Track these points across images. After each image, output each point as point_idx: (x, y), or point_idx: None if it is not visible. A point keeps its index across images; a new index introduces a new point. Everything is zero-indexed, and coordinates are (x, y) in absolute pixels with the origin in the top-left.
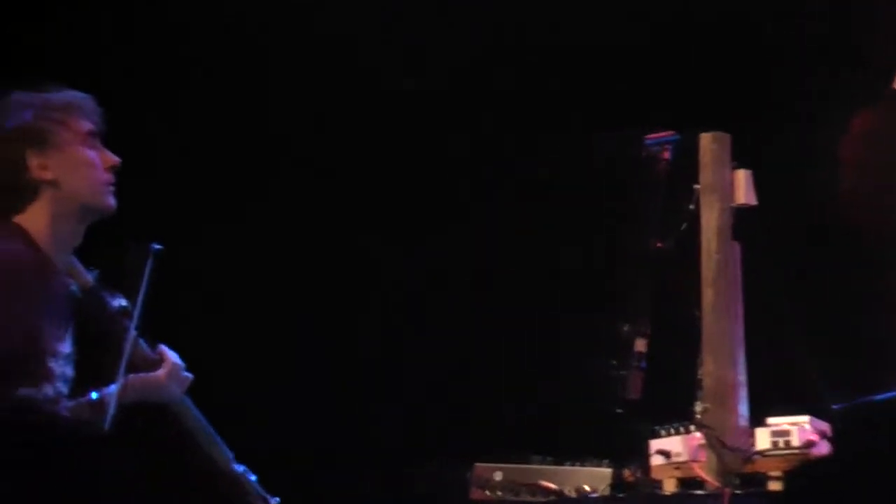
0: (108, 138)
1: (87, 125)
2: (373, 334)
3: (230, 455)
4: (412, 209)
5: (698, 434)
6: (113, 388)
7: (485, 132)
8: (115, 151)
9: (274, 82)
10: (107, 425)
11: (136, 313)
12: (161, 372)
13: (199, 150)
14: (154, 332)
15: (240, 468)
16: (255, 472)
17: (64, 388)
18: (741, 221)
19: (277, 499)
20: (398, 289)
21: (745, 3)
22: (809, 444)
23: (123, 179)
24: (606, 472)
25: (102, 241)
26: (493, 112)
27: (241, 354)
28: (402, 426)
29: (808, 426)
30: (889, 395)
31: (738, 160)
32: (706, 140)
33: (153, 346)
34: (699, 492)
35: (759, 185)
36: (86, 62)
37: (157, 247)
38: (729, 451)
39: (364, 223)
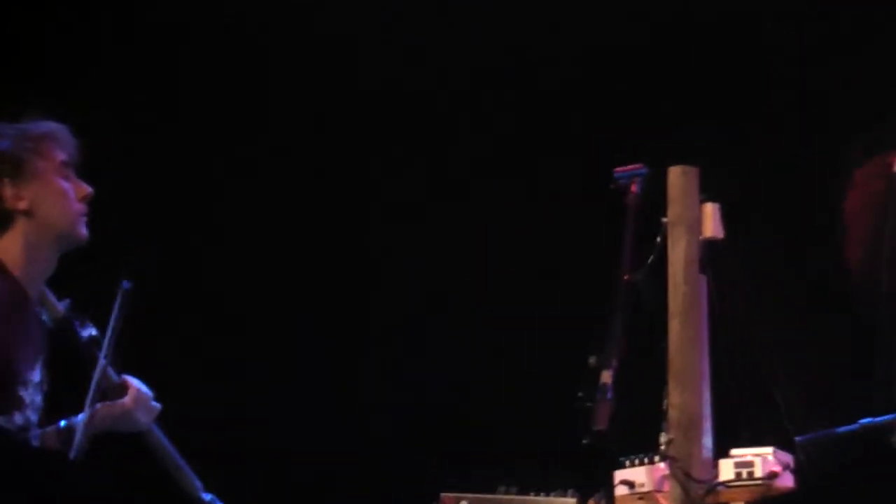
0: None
1: (61, 155)
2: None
3: (198, 484)
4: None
5: (663, 465)
6: (80, 417)
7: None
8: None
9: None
10: (73, 454)
11: (105, 344)
12: (127, 399)
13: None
14: (125, 360)
15: (207, 496)
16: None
17: (33, 417)
18: (709, 254)
19: None
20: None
21: (718, 39)
22: (772, 476)
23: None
24: (571, 501)
25: (75, 268)
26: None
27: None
28: (367, 458)
29: (771, 457)
30: (850, 427)
31: (707, 193)
32: (675, 173)
33: (119, 374)
34: None
35: (727, 218)
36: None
37: (127, 285)
38: (693, 481)
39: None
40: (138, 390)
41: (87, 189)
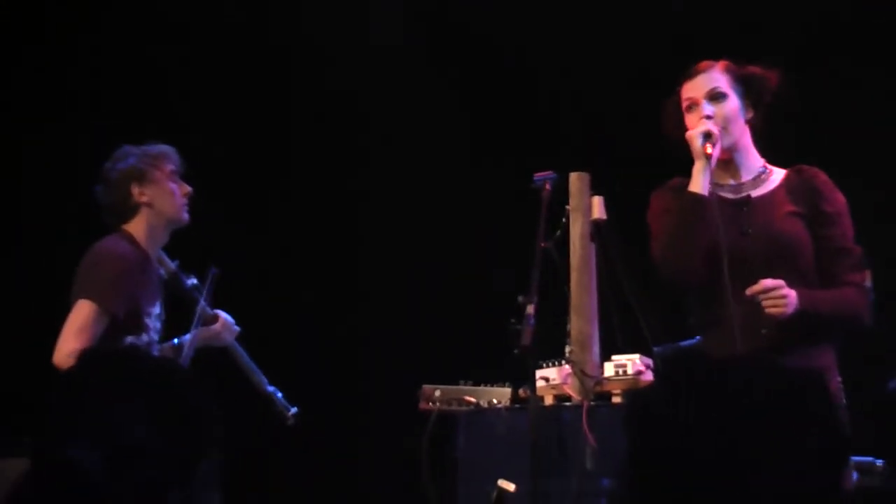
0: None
1: (170, 167)
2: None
3: (265, 379)
4: None
5: (568, 367)
6: (187, 337)
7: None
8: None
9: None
10: (184, 362)
11: (206, 288)
12: (217, 325)
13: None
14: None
15: (271, 388)
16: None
17: (156, 336)
18: (596, 230)
19: (296, 408)
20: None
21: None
22: (639, 373)
23: None
24: (507, 391)
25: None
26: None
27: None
28: (372, 361)
29: (638, 361)
30: (690, 341)
31: (595, 189)
32: (574, 177)
33: (212, 308)
34: (568, 403)
35: (609, 206)
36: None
37: (215, 270)
38: (587, 377)
39: None
40: (225, 320)
41: (188, 188)
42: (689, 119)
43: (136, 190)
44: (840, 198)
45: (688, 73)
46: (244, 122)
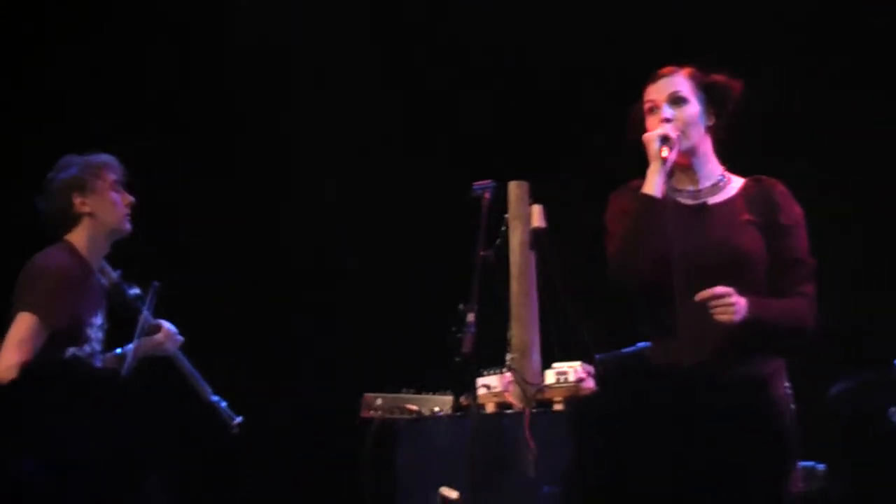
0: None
1: (113, 176)
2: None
3: (209, 389)
4: None
5: (509, 374)
6: (130, 347)
7: None
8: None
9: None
10: (125, 372)
11: (148, 301)
12: (160, 335)
13: None
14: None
15: (215, 398)
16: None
17: (98, 347)
18: (535, 238)
19: (240, 417)
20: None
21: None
22: (580, 380)
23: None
24: (449, 398)
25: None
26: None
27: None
28: (313, 369)
29: (579, 368)
30: (631, 349)
31: (534, 198)
32: (513, 186)
33: (155, 318)
34: (509, 411)
35: (547, 215)
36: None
37: (156, 284)
38: (528, 384)
39: None
40: (167, 329)
41: (130, 198)
42: (650, 122)
43: (77, 200)
44: (797, 210)
45: (651, 77)
46: (183, 124)
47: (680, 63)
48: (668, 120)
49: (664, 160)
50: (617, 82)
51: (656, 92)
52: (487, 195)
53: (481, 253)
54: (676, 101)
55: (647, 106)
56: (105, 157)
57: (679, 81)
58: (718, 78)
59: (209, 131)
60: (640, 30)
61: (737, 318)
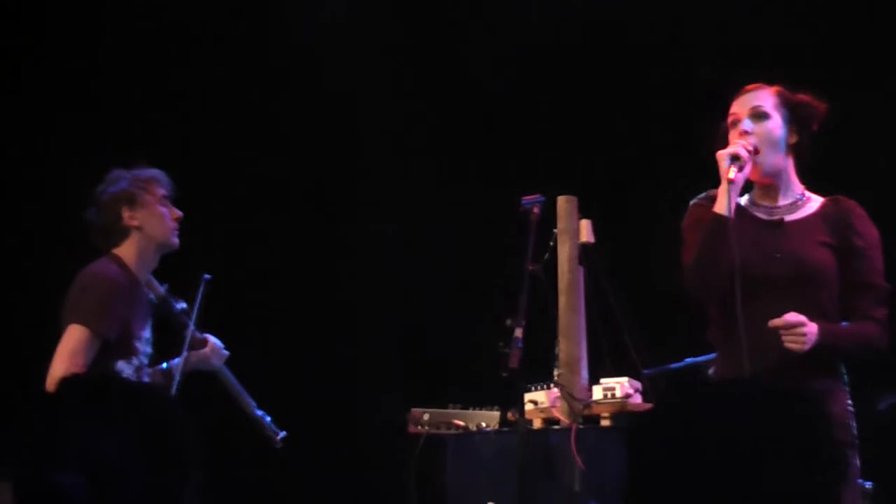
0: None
1: (161, 191)
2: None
3: (254, 403)
4: None
5: (556, 390)
6: (177, 361)
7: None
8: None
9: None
10: (174, 389)
11: (193, 314)
12: (206, 350)
13: None
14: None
15: (260, 412)
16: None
17: (145, 360)
18: (584, 253)
19: (284, 432)
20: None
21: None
22: (627, 396)
23: None
24: (496, 414)
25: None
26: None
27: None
28: (361, 384)
29: (626, 384)
30: (679, 364)
31: (583, 213)
32: (562, 200)
33: (202, 333)
34: (556, 427)
35: (597, 230)
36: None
37: (207, 276)
38: (576, 400)
39: None
40: (214, 344)
41: (178, 213)
42: (731, 135)
43: (126, 213)
44: (873, 232)
45: (738, 91)
46: (231, 144)
47: (769, 81)
48: (746, 133)
49: (730, 181)
50: (665, 98)
51: (739, 105)
52: (536, 209)
53: (530, 267)
54: (758, 115)
55: (730, 119)
56: (154, 172)
57: (763, 97)
58: (804, 97)
59: (251, 148)
60: (689, 42)
61: (806, 347)
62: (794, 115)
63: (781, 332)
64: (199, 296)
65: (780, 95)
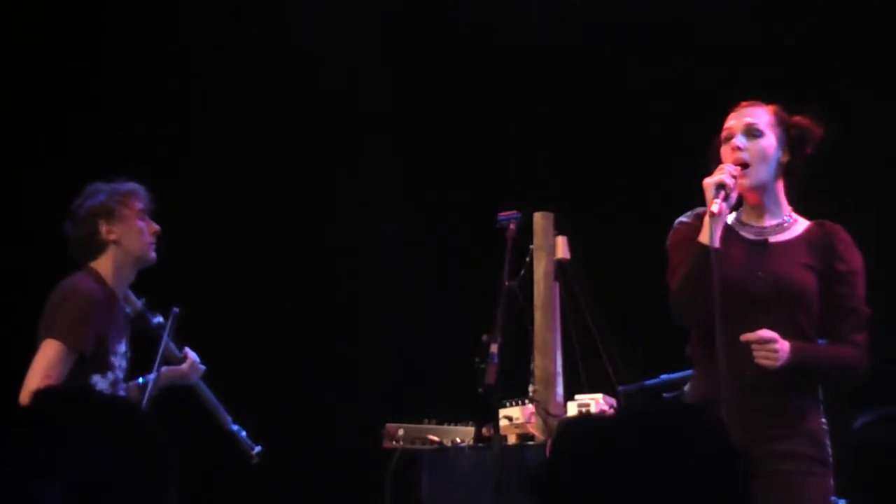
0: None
1: (139, 205)
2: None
3: (229, 418)
4: None
5: (531, 406)
6: (151, 376)
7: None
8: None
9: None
10: (145, 401)
11: (168, 328)
12: (184, 365)
13: None
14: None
15: (235, 427)
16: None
17: (121, 375)
18: (559, 269)
19: (259, 447)
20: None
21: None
22: (602, 412)
23: None
24: (471, 429)
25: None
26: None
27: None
28: (335, 399)
29: (601, 401)
30: (654, 380)
31: (559, 229)
32: (538, 216)
33: (180, 348)
34: (531, 442)
35: (573, 247)
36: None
37: (176, 310)
38: (550, 416)
39: None
40: (192, 359)
41: (156, 227)
42: (723, 150)
43: (104, 227)
44: (856, 258)
45: (734, 107)
46: (231, 144)
47: (766, 101)
48: (738, 148)
49: (714, 214)
50: (641, 114)
51: (734, 120)
52: (513, 226)
53: (506, 283)
54: (751, 132)
55: (723, 134)
56: (132, 185)
57: (758, 114)
58: (801, 119)
59: (238, 151)
60: (668, 54)
61: (776, 364)
62: (789, 136)
63: (753, 347)
64: (169, 328)
65: (776, 115)
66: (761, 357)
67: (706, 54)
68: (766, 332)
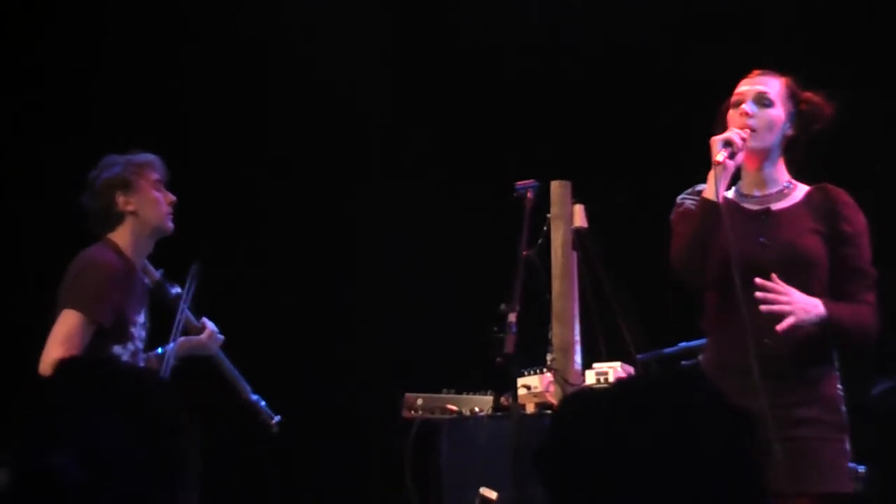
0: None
1: (155, 176)
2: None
3: (249, 388)
4: None
5: (549, 375)
6: (170, 346)
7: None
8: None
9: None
10: (165, 372)
11: (187, 298)
12: (203, 335)
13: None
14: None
15: (255, 397)
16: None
17: (141, 345)
18: (577, 237)
19: (279, 416)
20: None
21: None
22: (620, 380)
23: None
24: (489, 399)
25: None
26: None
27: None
28: (354, 369)
29: (619, 369)
30: (672, 348)
31: (577, 198)
32: (555, 185)
33: (198, 318)
34: (550, 411)
35: (590, 215)
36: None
37: (195, 267)
38: (569, 384)
39: None
40: (210, 329)
41: (172, 197)
42: (731, 115)
43: (120, 199)
44: (860, 218)
45: (748, 73)
46: (231, 125)
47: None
48: (746, 113)
49: (719, 164)
50: (660, 84)
51: (746, 86)
52: (530, 194)
53: (524, 253)
54: (762, 101)
55: (733, 98)
56: (148, 157)
57: (771, 84)
58: (812, 96)
59: (249, 131)
60: (684, 29)
61: (807, 318)
62: (799, 111)
63: (763, 295)
64: (190, 284)
65: (788, 87)
66: (769, 301)
67: (727, 35)
68: (781, 285)
